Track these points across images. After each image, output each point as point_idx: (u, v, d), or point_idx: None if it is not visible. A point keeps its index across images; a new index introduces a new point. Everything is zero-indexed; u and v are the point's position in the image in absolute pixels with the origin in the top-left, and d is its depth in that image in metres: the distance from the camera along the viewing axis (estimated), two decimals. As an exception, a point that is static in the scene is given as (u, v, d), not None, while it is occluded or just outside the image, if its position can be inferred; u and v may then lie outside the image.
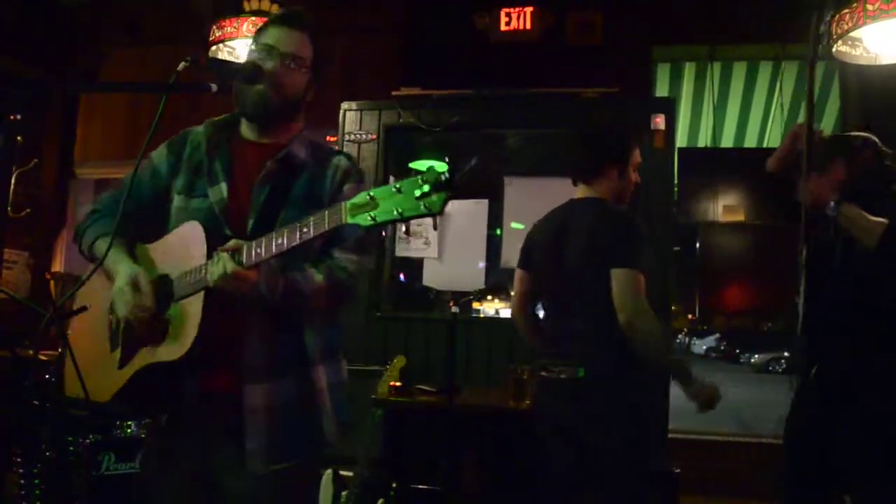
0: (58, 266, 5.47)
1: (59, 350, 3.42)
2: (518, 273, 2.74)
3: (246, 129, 1.85)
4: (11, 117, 1.26)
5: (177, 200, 1.78)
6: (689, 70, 5.84)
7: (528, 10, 4.60)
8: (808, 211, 2.38)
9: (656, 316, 2.33)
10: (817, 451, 2.45)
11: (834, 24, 3.49)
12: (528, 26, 4.59)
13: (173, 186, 1.81)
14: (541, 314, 2.76)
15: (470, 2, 4.74)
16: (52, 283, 4.86)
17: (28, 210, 5.15)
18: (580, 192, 2.60)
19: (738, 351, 28.28)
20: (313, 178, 1.78)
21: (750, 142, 6.61)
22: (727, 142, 6.61)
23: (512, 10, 4.62)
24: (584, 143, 2.63)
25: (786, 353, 23.73)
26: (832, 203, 2.37)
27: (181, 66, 1.56)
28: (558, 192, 2.70)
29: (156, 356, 1.65)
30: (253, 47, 1.80)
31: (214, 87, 1.65)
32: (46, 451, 3.09)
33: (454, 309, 3.08)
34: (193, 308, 1.61)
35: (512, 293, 2.84)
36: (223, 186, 1.75)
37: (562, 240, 2.50)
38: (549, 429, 2.46)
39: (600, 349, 2.35)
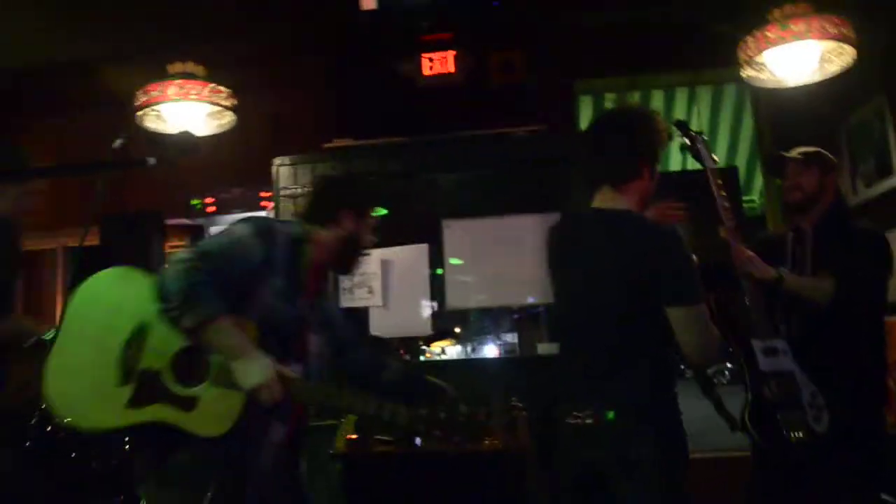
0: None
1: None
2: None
3: (314, 253, 2.13)
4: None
5: (271, 298, 1.98)
6: (609, 101, 6.02)
7: (451, 53, 4.67)
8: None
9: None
10: (792, 477, 2.60)
11: (740, 51, 3.70)
12: (452, 70, 4.65)
13: (267, 282, 1.98)
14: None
15: (393, 49, 4.79)
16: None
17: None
18: (604, 199, 2.14)
19: (682, 367, 28.74)
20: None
21: (674, 166, 6.83)
22: (652, 167, 6.79)
23: (434, 54, 4.67)
24: (618, 137, 2.15)
25: (728, 364, 24.22)
26: (775, 274, 2.62)
27: (117, 143, 1.56)
28: (496, 231, 2.68)
29: (179, 423, 1.81)
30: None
31: (152, 160, 1.65)
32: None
33: (405, 356, 3.08)
34: (236, 400, 1.85)
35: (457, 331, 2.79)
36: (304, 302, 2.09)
37: (590, 264, 2.08)
38: (572, 481, 2.11)
39: (632, 384, 2.02)
